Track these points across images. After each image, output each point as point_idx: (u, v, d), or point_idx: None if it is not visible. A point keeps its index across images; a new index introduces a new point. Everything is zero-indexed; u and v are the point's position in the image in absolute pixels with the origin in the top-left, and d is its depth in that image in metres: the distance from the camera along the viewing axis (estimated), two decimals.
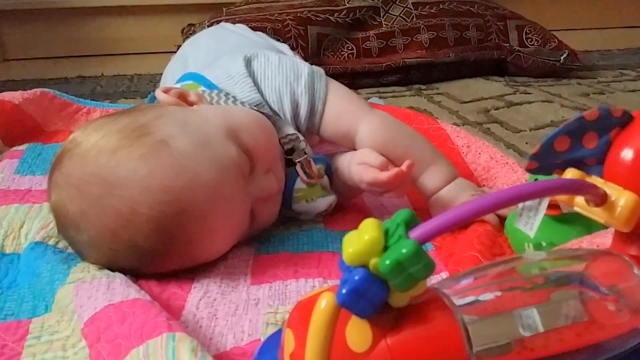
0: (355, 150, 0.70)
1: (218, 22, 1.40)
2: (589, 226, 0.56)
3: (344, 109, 0.72)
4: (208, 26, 1.40)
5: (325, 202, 0.69)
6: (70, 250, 0.62)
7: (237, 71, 0.71)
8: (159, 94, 0.65)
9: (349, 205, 0.74)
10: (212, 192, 0.55)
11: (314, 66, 0.73)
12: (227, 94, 0.70)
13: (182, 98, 0.65)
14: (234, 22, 1.34)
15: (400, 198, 0.70)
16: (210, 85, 0.71)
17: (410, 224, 0.34)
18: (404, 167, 0.65)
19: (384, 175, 0.65)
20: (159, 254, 0.55)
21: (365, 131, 0.70)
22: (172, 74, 0.91)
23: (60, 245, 0.63)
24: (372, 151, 0.68)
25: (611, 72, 1.54)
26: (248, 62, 0.73)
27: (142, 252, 0.55)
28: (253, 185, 0.61)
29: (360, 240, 0.33)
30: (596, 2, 2.24)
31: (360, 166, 0.67)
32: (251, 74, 0.72)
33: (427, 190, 0.69)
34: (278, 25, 1.38)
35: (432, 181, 0.68)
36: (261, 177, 0.62)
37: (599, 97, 1.28)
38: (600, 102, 1.24)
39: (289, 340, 0.37)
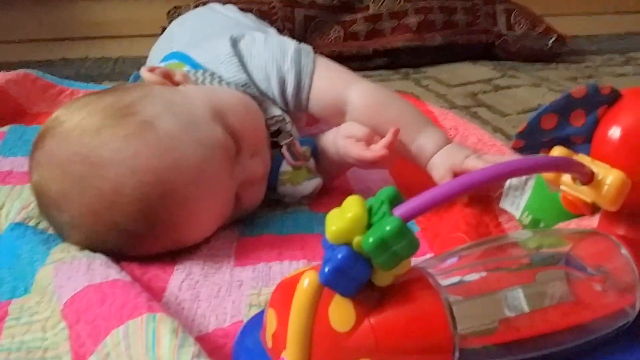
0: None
1: (204, 3, 1.38)
2: None
3: (332, 79, 0.70)
4: (194, 8, 1.38)
5: (311, 185, 0.69)
6: (51, 231, 0.61)
7: (224, 51, 0.70)
8: (143, 72, 0.64)
9: (335, 187, 0.73)
10: (197, 174, 0.55)
11: (301, 43, 0.72)
12: (212, 74, 0.68)
13: (167, 77, 0.64)
14: (222, 3, 1.32)
15: (385, 169, 0.69)
16: (196, 65, 0.70)
17: (394, 202, 0.33)
18: (389, 134, 0.64)
19: (369, 155, 0.64)
20: (142, 236, 0.54)
21: (356, 96, 0.68)
22: (157, 54, 0.89)
23: (41, 226, 0.62)
24: (357, 124, 0.67)
25: (599, 57, 1.53)
26: (234, 42, 0.71)
27: (124, 234, 0.54)
28: (239, 168, 0.60)
29: (343, 217, 0.32)
30: None
31: (346, 140, 0.67)
32: (237, 54, 0.70)
33: (424, 156, 0.67)
34: (264, 7, 1.36)
35: (427, 146, 0.66)
36: (247, 160, 0.61)
37: (587, 81, 1.28)
38: None
39: (271, 320, 0.36)
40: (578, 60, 1.49)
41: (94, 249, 0.55)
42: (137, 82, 0.66)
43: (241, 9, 1.17)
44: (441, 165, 0.65)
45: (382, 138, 0.65)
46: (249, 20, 1.09)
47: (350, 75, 0.72)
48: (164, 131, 0.54)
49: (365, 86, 0.70)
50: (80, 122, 0.54)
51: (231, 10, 1.12)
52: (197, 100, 0.60)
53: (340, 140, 0.67)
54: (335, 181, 0.74)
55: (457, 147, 0.67)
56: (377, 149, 0.64)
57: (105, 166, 0.52)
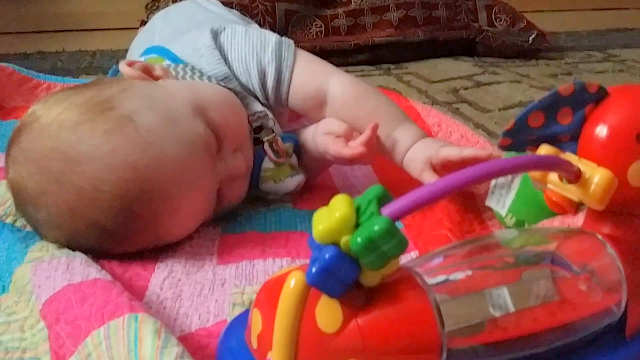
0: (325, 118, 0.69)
1: None
2: None
3: (312, 72, 0.69)
4: (173, 1, 1.36)
5: (293, 181, 0.68)
6: (28, 228, 0.60)
7: (204, 43, 0.69)
8: (122, 67, 0.63)
9: (318, 184, 0.73)
10: (178, 170, 0.54)
11: (283, 37, 0.71)
12: (193, 69, 0.67)
13: (147, 72, 0.63)
14: None
15: (366, 164, 0.69)
16: (176, 59, 0.69)
17: (382, 201, 0.33)
18: (368, 130, 0.63)
19: (347, 152, 0.63)
20: (121, 234, 0.53)
21: (336, 88, 0.68)
22: (138, 47, 0.88)
23: (18, 223, 0.61)
24: (336, 120, 0.66)
25: (579, 54, 1.55)
26: (215, 35, 0.70)
27: (104, 232, 0.53)
28: (220, 164, 0.59)
29: (330, 217, 0.32)
30: None
31: (325, 136, 0.66)
32: (218, 47, 0.69)
33: (399, 151, 0.66)
34: (245, 1, 1.35)
35: (403, 140, 0.66)
36: (229, 156, 0.60)
37: (567, 77, 1.29)
38: (568, 83, 1.25)
39: (256, 321, 0.36)
40: (558, 57, 1.50)
41: (73, 247, 0.54)
42: (116, 77, 0.65)
43: (223, 3, 1.16)
44: (418, 158, 0.64)
45: (360, 134, 0.65)
46: (233, 16, 1.08)
47: (330, 68, 0.71)
48: (144, 126, 0.53)
49: (345, 78, 0.69)
50: (57, 116, 0.53)
51: (216, 5, 1.11)
52: (177, 95, 0.59)
53: (319, 137, 0.67)
54: (318, 177, 0.74)
55: (430, 140, 0.67)
56: (355, 147, 0.63)
57: (83, 162, 0.51)
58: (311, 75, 0.69)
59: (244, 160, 0.62)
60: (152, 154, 0.52)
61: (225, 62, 0.69)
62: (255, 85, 0.68)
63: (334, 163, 0.70)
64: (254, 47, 0.69)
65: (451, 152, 0.61)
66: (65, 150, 0.52)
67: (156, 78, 0.63)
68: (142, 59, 0.71)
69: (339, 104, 0.67)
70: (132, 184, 0.52)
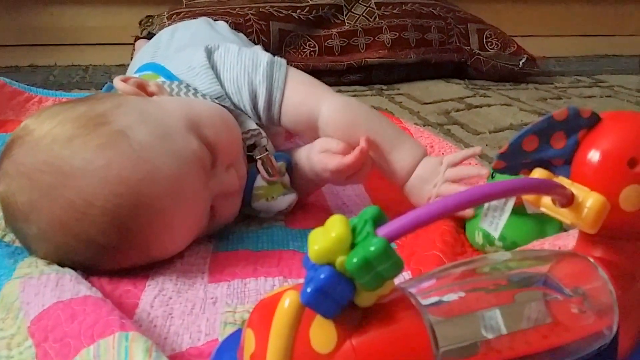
0: (318, 138, 0.69)
1: (178, 14, 1.37)
2: (543, 225, 0.56)
3: (304, 94, 0.69)
4: (167, 18, 1.36)
5: (285, 200, 0.68)
6: (17, 244, 0.59)
7: (198, 62, 0.69)
8: (117, 82, 0.63)
9: (310, 203, 0.73)
10: (171, 186, 0.54)
11: (275, 56, 0.71)
12: (187, 86, 0.67)
13: (141, 88, 0.63)
14: (194, 16, 1.31)
15: (360, 183, 0.69)
16: (170, 76, 0.69)
17: (378, 222, 0.33)
18: (362, 142, 0.64)
19: (348, 158, 0.63)
20: (113, 249, 0.53)
21: (328, 111, 0.67)
22: (139, 61, 0.88)
23: (7, 239, 0.61)
24: (332, 139, 0.67)
25: (567, 78, 1.57)
26: (209, 53, 0.70)
27: (95, 247, 0.52)
28: (214, 181, 0.59)
29: (326, 237, 0.32)
30: (553, 10, 2.29)
31: (322, 154, 0.66)
32: (212, 66, 0.69)
33: (398, 176, 0.67)
34: (240, 20, 1.36)
35: (397, 170, 0.67)
36: (222, 173, 0.60)
37: (556, 102, 1.30)
38: (557, 107, 1.26)
39: (249, 341, 0.35)
40: (547, 81, 1.52)
41: (63, 263, 0.53)
42: (110, 92, 0.65)
43: (215, 20, 1.17)
44: (418, 194, 0.66)
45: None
46: (239, 39, 1.08)
47: (322, 89, 0.71)
48: (138, 142, 0.53)
49: (337, 101, 0.69)
50: (50, 130, 0.53)
51: (223, 27, 1.11)
52: (171, 111, 0.59)
53: (316, 155, 0.67)
54: (310, 197, 0.74)
55: (430, 165, 0.67)
56: (355, 152, 0.64)
57: (76, 176, 0.51)
58: (302, 99, 0.69)
59: (238, 176, 0.62)
60: (145, 169, 0.52)
61: (219, 82, 0.69)
62: (247, 106, 0.68)
63: (328, 182, 0.70)
64: (245, 67, 0.69)
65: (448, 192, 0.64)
66: (57, 164, 0.51)
67: (150, 94, 0.63)
68: (137, 75, 0.71)
69: (331, 130, 0.67)
70: (124, 199, 0.51)
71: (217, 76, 0.69)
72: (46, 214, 0.52)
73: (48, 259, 0.54)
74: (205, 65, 0.69)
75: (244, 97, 0.68)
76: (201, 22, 1.11)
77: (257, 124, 0.69)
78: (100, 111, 0.55)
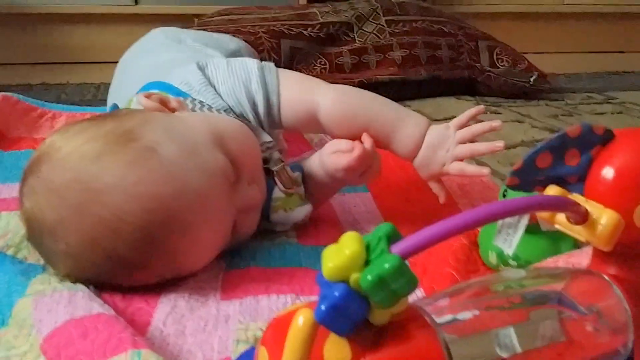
0: (322, 132, 0.70)
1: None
2: (556, 243, 0.56)
3: (299, 92, 0.70)
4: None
5: (303, 211, 0.69)
6: (30, 261, 0.59)
7: (196, 80, 0.70)
8: (140, 98, 0.63)
9: (322, 219, 0.73)
10: (199, 201, 0.54)
11: (263, 61, 0.72)
12: (201, 102, 0.68)
13: (164, 104, 0.64)
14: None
15: (374, 179, 0.70)
16: (179, 93, 0.69)
17: (392, 239, 0.33)
18: (364, 139, 0.65)
19: (356, 152, 0.64)
20: (140, 265, 0.53)
21: (325, 104, 0.68)
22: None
23: (20, 255, 0.61)
24: (341, 140, 0.67)
25: (578, 95, 1.56)
26: (202, 70, 0.71)
27: (123, 263, 0.53)
28: (238, 196, 0.59)
29: (340, 254, 0.32)
30: (564, 27, 2.29)
31: (333, 155, 0.67)
32: (209, 82, 0.70)
33: (408, 152, 0.69)
34: (251, 38, 1.37)
35: (403, 149, 0.68)
36: (246, 188, 0.61)
37: (568, 118, 1.30)
38: (569, 124, 1.26)
39: (262, 359, 0.35)
40: (558, 98, 1.51)
41: (87, 278, 0.54)
42: (134, 109, 0.65)
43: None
44: (424, 170, 0.69)
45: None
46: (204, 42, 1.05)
47: (315, 82, 0.72)
48: (166, 158, 0.53)
49: (332, 93, 0.70)
50: (79, 147, 0.53)
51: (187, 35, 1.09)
52: (196, 127, 0.59)
53: (327, 157, 0.68)
54: (323, 213, 0.74)
55: (435, 136, 0.68)
56: (360, 146, 0.64)
57: (106, 193, 0.51)
58: (299, 96, 0.70)
59: (259, 191, 0.63)
60: (175, 185, 0.53)
61: (220, 97, 0.69)
62: (250, 115, 0.69)
63: (344, 184, 0.71)
64: (239, 79, 0.70)
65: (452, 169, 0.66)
66: (87, 181, 0.52)
67: (172, 110, 0.63)
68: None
69: (331, 122, 0.69)
70: (154, 214, 0.52)
71: (216, 91, 0.70)
72: (75, 231, 0.52)
73: (71, 275, 0.54)
74: (204, 83, 0.69)
75: (245, 107, 0.69)
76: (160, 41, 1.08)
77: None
78: (128, 127, 0.55)
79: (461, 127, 0.68)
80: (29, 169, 0.55)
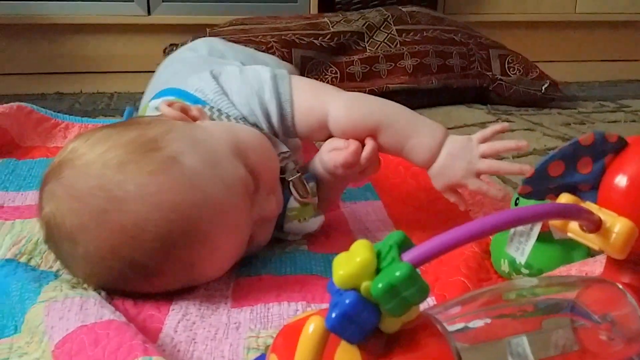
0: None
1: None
2: (569, 252, 0.55)
3: (311, 101, 0.69)
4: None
5: (317, 221, 0.69)
6: (43, 267, 0.60)
7: (211, 89, 0.70)
8: (163, 107, 0.64)
9: (333, 227, 0.73)
10: (220, 212, 0.54)
11: (275, 70, 0.72)
12: (219, 110, 0.68)
13: (185, 112, 0.64)
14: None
15: (374, 173, 0.70)
16: (197, 100, 0.70)
17: (403, 247, 0.33)
18: (366, 142, 0.66)
19: (351, 147, 0.65)
20: (158, 273, 0.53)
21: (333, 113, 0.68)
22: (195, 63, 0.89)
23: (33, 262, 0.61)
24: (339, 138, 0.68)
25: (591, 103, 1.55)
26: (216, 79, 0.71)
27: (141, 270, 0.53)
28: (256, 207, 0.60)
29: (351, 262, 0.32)
30: (575, 35, 2.29)
31: (331, 153, 0.67)
32: (223, 91, 0.70)
33: (422, 160, 0.67)
34: (262, 47, 1.37)
35: (417, 157, 0.67)
36: (264, 199, 0.61)
37: (580, 127, 1.29)
38: (581, 132, 1.25)
39: None
40: (570, 106, 1.51)
41: (103, 284, 0.54)
42: (156, 117, 0.65)
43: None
44: (439, 181, 0.67)
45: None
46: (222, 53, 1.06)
47: (326, 90, 0.72)
48: (189, 168, 0.54)
49: (341, 101, 0.69)
50: (101, 155, 0.54)
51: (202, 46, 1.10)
52: (218, 137, 0.60)
53: (325, 155, 0.68)
54: (332, 217, 0.74)
55: (456, 146, 0.66)
56: (353, 144, 0.65)
57: (128, 201, 0.52)
58: (311, 105, 0.69)
59: (277, 202, 0.63)
60: (196, 195, 0.53)
61: (234, 106, 0.69)
62: (263, 125, 0.69)
63: (345, 182, 0.71)
64: (252, 88, 0.69)
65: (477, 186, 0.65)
66: (110, 189, 0.52)
67: (193, 118, 0.64)
68: (160, 100, 0.71)
69: (339, 131, 0.68)
70: (175, 224, 0.52)
71: (230, 101, 0.70)
72: (96, 237, 0.52)
73: (88, 280, 0.55)
74: (219, 92, 0.70)
75: (259, 117, 0.69)
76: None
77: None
78: (151, 136, 0.55)
79: (484, 141, 0.66)
80: (50, 174, 0.55)
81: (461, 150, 0.65)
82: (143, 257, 0.52)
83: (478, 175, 0.65)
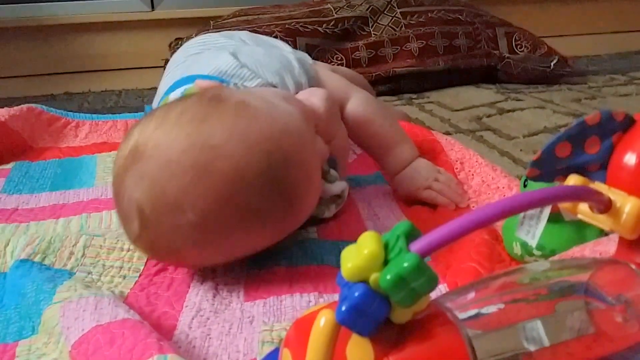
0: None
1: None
2: (581, 231, 0.55)
3: (335, 83, 0.79)
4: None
5: (340, 185, 0.69)
6: (57, 266, 0.60)
7: (229, 64, 0.71)
8: (200, 83, 0.65)
9: (342, 213, 0.72)
10: (302, 138, 0.57)
11: (297, 51, 0.79)
12: (243, 85, 0.70)
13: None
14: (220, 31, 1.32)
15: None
16: (217, 79, 0.69)
17: (410, 236, 0.32)
18: None
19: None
20: (274, 212, 0.54)
21: (353, 105, 0.76)
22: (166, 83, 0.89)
23: (47, 261, 0.61)
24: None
25: (601, 77, 1.53)
26: (235, 56, 0.73)
27: (258, 215, 0.53)
28: (317, 146, 0.62)
29: (359, 254, 0.32)
30: (582, 8, 2.25)
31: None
32: (244, 65, 0.72)
33: (390, 170, 0.78)
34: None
35: (394, 162, 0.77)
36: (320, 141, 0.64)
37: (591, 102, 1.28)
38: (592, 108, 1.24)
39: None
40: (580, 81, 1.49)
41: (223, 251, 0.55)
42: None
43: None
44: (401, 188, 0.77)
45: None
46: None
47: (345, 84, 0.80)
48: (259, 107, 0.56)
49: (361, 97, 0.78)
50: (178, 119, 0.53)
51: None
52: (267, 92, 0.63)
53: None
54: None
55: (421, 164, 0.77)
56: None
57: (223, 146, 0.51)
58: (337, 86, 0.78)
59: (328, 152, 0.66)
60: (279, 123, 0.55)
61: (257, 75, 0.71)
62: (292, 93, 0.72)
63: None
64: (281, 63, 0.75)
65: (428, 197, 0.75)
66: (202, 141, 0.51)
67: None
68: (179, 91, 0.70)
69: (351, 121, 0.76)
70: (273, 155, 0.53)
71: (253, 72, 0.71)
72: (202, 193, 0.51)
73: (198, 246, 0.53)
74: (238, 65, 0.71)
75: (290, 87, 0.72)
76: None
77: None
78: (210, 95, 0.57)
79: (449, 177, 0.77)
80: (123, 167, 0.53)
81: (425, 168, 0.76)
82: (255, 197, 0.52)
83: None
